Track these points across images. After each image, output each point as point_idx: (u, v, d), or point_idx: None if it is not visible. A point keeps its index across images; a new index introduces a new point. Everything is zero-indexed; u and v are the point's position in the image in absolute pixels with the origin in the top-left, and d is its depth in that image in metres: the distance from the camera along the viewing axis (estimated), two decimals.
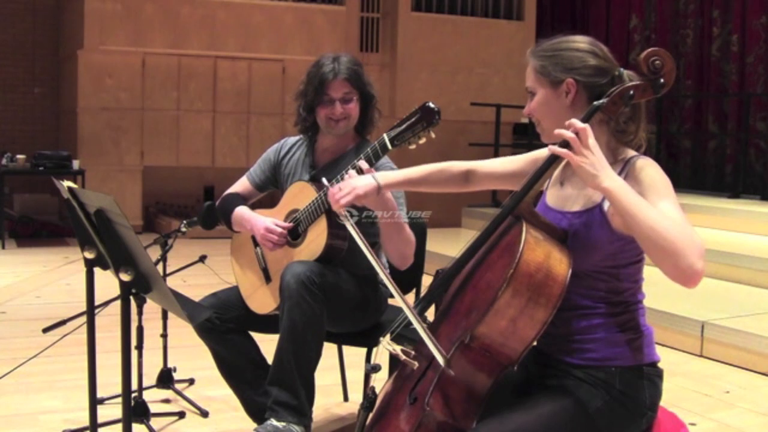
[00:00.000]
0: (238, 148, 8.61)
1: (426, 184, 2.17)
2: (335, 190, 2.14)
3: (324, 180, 2.36)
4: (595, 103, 1.77)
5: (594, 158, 1.67)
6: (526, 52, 1.91)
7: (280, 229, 2.66)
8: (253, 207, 2.88)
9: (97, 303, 2.17)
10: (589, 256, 1.79)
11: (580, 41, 1.87)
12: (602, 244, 1.79)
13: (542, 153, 2.03)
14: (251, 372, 2.76)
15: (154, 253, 2.77)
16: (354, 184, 2.13)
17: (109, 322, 3.48)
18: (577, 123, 1.70)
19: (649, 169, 1.77)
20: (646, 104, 1.87)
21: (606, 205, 1.79)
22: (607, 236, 1.79)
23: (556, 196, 1.94)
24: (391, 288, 1.87)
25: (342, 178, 2.36)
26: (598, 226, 1.79)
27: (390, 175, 2.17)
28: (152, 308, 2.84)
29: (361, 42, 9.11)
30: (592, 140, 1.68)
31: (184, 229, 3.16)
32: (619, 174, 1.79)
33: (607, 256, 1.80)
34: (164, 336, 3.41)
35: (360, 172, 2.29)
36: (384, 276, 1.92)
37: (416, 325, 1.74)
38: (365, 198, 2.14)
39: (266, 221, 2.69)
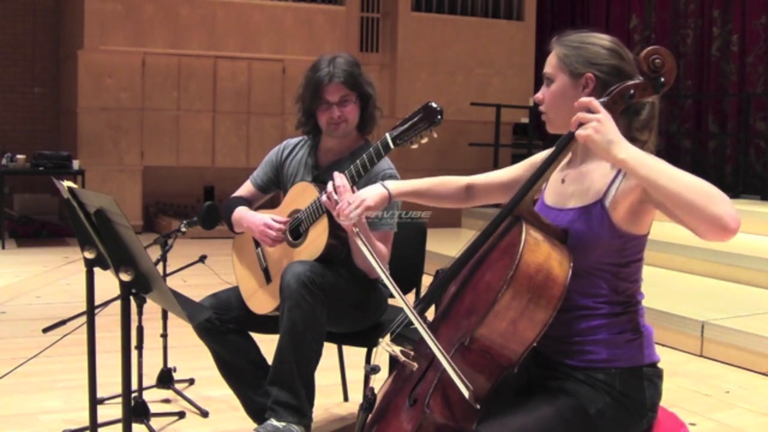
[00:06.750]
0: (238, 148, 8.61)
1: (430, 195, 2.17)
2: (344, 205, 2.11)
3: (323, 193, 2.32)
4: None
5: (604, 129, 1.65)
6: (552, 39, 1.91)
7: (278, 225, 2.66)
8: (256, 209, 2.88)
9: (97, 303, 2.17)
10: (590, 253, 1.79)
11: (607, 40, 1.88)
12: (603, 241, 1.79)
13: (540, 156, 2.03)
14: (251, 372, 2.76)
15: (154, 253, 2.77)
16: (363, 195, 2.10)
17: (109, 322, 3.48)
18: (583, 99, 1.70)
19: None
20: (659, 114, 1.87)
21: (607, 201, 1.79)
22: (608, 233, 1.78)
23: (556, 194, 1.94)
24: (398, 297, 1.86)
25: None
26: (599, 222, 1.79)
27: (399, 184, 2.16)
28: (152, 308, 2.84)
29: (361, 42, 9.11)
30: (602, 114, 1.66)
31: (184, 229, 3.16)
32: (617, 175, 1.79)
33: (608, 254, 1.80)
34: (164, 336, 3.41)
35: (353, 180, 2.31)
36: (392, 287, 1.90)
37: (422, 331, 1.73)
38: (376, 209, 2.12)
39: (264, 217, 2.69)
